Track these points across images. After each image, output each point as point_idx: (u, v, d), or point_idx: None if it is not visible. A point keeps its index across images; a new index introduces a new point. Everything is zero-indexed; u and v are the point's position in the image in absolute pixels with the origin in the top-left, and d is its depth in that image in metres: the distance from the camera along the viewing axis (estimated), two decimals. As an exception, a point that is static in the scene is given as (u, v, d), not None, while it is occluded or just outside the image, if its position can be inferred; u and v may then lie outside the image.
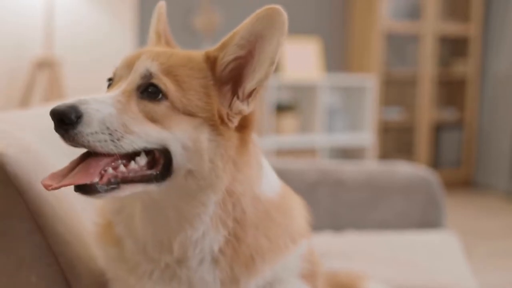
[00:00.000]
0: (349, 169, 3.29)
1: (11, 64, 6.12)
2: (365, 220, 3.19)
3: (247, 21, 1.37)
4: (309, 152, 6.97)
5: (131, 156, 1.31)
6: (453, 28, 8.07)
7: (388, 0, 7.69)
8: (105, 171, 1.28)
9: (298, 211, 1.59)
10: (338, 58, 7.90)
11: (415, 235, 3.04)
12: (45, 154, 1.62)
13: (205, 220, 1.36)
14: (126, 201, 1.41)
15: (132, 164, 1.31)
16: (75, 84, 6.01)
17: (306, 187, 3.12)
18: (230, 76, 1.41)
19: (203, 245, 1.38)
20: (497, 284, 4.66)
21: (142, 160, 1.32)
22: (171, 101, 1.33)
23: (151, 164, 1.33)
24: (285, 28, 1.35)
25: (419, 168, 3.37)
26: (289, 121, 6.96)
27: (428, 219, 3.21)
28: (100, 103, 1.28)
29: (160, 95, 1.33)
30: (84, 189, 1.26)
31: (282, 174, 1.63)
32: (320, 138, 7.05)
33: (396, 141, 8.30)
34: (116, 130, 1.26)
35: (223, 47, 1.41)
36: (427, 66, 7.89)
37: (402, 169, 3.32)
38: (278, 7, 1.35)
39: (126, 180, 1.30)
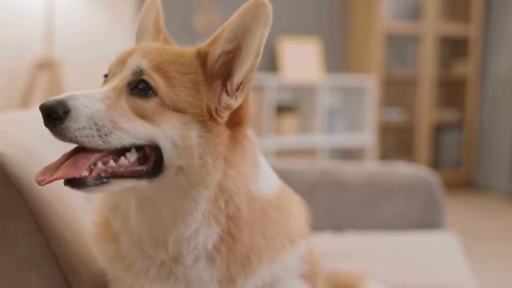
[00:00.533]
0: (349, 169, 3.29)
1: (11, 64, 6.12)
2: (365, 220, 3.19)
3: (235, 14, 1.38)
4: (309, 152, 6.97)
5: (122, 152, 1.32)
6: (453, 29, 8.07)
7: (388, 1, 7.69)
8: (95, 165, 1.29)
9: (297, 211, 1.59)
10: (338, 59, 7.89)
11: (415, 235, 3.04)
12: (45, 154, 1.62)
13: (197, 216, 1.37)
14: (121, 198, 1.43)
15: (122, 160, 1.32)
16: (75, 84, 6.00)
17: (306, 188, 3.12)
18: (221, 71, 1.42)
19: (196, 241, 1.39)
20: (497, 285, 4.66)
21: (133, 156, 1.33)
22: (161, 97, 1.34)
23: (142, 161, 1.34)
24: (269, 19, 1.36)
25: (419, 168, 3.37)
26: (289, 121, 6.95)
27: (428, 220, 3.21)
28: (89, 98, 1.29)
29: (150, 92, 1.34)
30: (73, 182, 1.27)
31: (282, 175, 1.63)
32: (320, 139, 7.05)
33: (396, 142, 8.30)
34: (104, 126, 1.27)
35: (213, 42, 1.42)
36: (427, 66, 7.89)
37: (402, 169, 3.32)
38: (262, 0, 1.36)
39: (116, 175, 1.31)
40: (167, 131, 1.33)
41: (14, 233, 1.41)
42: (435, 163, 8.16)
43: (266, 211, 1.48)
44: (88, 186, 1.28)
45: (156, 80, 1.34)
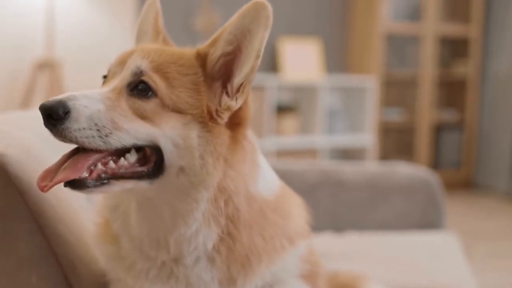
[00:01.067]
0: (349, 170, 3.29)
1: (12, 65, 6.12)
2: (366, 220, 3.19)
3: (234, 16, 1.38)
4: (310, 153, 6.97)
5: (122, 153, 1.32)
6: (453, 29, 8.08)
7: (389, 1, 7.70)
8: (95, 166, 1.29)
9: (297, 211, 1.59)
10: (338, 59, 7.89)
11: (415, 235, 3.05)
12: (46, 155, 1.62)
13: (197, 217, 1.37)
14: (122, 199, 1.43)
15: (122, 161, 1.32)
16: (76, 85, 6.00)
17: (307, 188, 3.12)
18: (221, 72, 1.42)
19: (197, 242, 1.39)
20: (497, 285, 4.66)
21: (133, 157, 1.33)
22: (161, 98, 1.34)
23: (142, 161, 1.34)
24: (269, 21, 1.36)
25: (419, 169, 3.37)
26: (289, 122, 6.96)
27: (428, 220, 3.21)
28: (89, 99, 1.29)
29: (150, 93, 1.34)
30: (73, 184, 1.27)
31: (283, 175, 1.63)
32: (321, 139, 7.06)
33: (396, 142, 8.30)
34: (104, 127, 1.27)
35: (213, 43, 1.42)
36: (427, 67, 7.89)
37: (403, 170, 3.32)
38: (263, 1, 1.36)
39: (117, 176, 1.31)
40: (167, 132, 1.33)
41: (15, 233, 1.41)
42: (435, 163, 8.16)
43: (265, 212, 1.48)
44: (88, 187, 1.28)
45: (156, 81, 1.34)
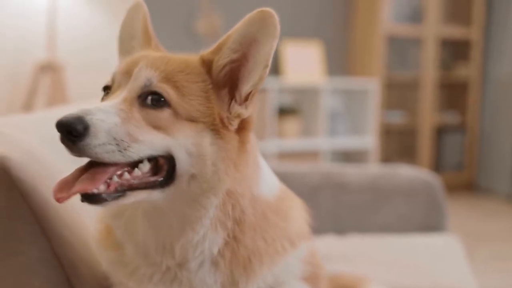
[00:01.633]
0: (351, 172, 3.29)
1: (14, 68, 6.13)
2: (367, 223, 3.19)
3: (239, 24, 1.39)
4: (311, 155, 6.97)
5: (135, 163, 1.31)
6: (455, 32, 8.08)
7: (390, 4, 7.69)
8: (110, 179, 1.28)
9: (297, 213, 1.59)
10: (340, 62, 7.90)
11: (417, 238, 3.05)
12: (49, 158, 1.63)
13: (205, 223, 1.37)
14: (125, 206, 1.41)
15: (136, 171, 1.31)
16: (78, 87, 6.01)
17: (308, 190, 3.13)
18: (226, 79, 1.42)
19: (203, 247, 1.39)
20: (499, 287, 4.66)
21: (146, 167, 1.32)
22: (174, 107, 1.34)
23: (154, 171, 1.33)
24: (277, 31, 1.37)
25: (421, 171, 3.38)
26: (291, 124, 6.96)
27: (430, 222, 3.21)
28: (104, 112, 1.27)
29: (162, 102, 1.33)
30: (90, 198, 1.26)
31: (284, 178, 1.64)
32: (322, 141, 7.06)
33: (398, 145, 8.30)
34: (122, 140, 1.26)
35: (217, 50, 1.42)
36: (429, 69, 7.90)
37: (404, 172, 3.33)
38: (270, 10, 1.38)
39: (132, 188, 1.30)
40: (181, 141, 1.33)
41: (18, 236, 1.41)
42: (437, 166, 8.16)
43: (267, 214, 1.48)
44: (106, 200, 1.27)
45: (167, 90, 1.34)
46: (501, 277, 4.90)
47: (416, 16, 7.92)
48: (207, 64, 1.41)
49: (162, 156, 1.33)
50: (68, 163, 1.84)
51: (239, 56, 1.40)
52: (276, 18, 1.37)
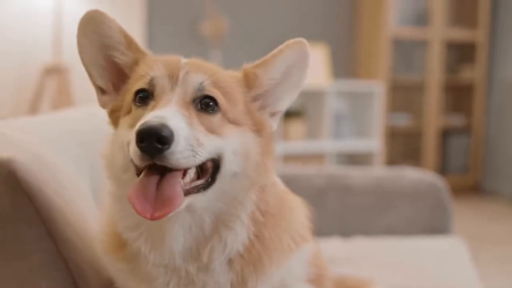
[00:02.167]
0: (356, 174, 3.29)
1: (20, 71, 6.14)
2: (373, 225, 3.19)
3: (281, 51, 1.50)
4: (317, 158, 6.97)
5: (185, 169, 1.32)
6: (460, 34, 8.07)
7: (395, 6, 7.69)
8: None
9: (300, 213, 1.60)
10: (345, 64, 7.90)
11: (422, 240, 3.05)
12: (54, 160, 1.63)
13: (243, 218, 1.41)
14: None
15: (187, 177, 1.32)
16: (83, 90, 6.01)
17: (314, 193, 3.13)
18: (260, 95, 1.51)
19: (232, 245, 1.41)
20: (504, 290, 4.67)
21: (192, 172, 1.33)
22: (223, 112, 1.38)
23: (197, 175, 1.34)
24: (309, 59, 1.52)
25: (426, 173, 3.37)
26: (296, 127, 6.96)
27: (436, 225, 3.21)
28: (176, 118, 1.27)
29: (214, 107, 1.37)
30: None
31: (290, 180, 1.65)
32: (328, 144, 7.06)
33: (403, 147, 8.29)
34: (193, 145, 1.27)
35: (262, 68, 1.50)
36: (434, 72, 7.89)
37: (410, 175, 3.32)
38: (305, 41, 1.52)
39: (185, 193, 1.31)
40: (230, 142, 1.37)
41: (24, 238, 1.42)
42: (442, 168, 8.15)
43: (280, 209, 1.52)
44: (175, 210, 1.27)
45: (218, 95, 1.38)
46: (506, 279, 4.89)
47: (421, 19, 7.91)
48: (250, 78, 1.49)
49: (213, 158, 1.35)
50: (73, 165, 1.85)
51: (279, 76, 1.51)
52: (309, 47, 1.52)
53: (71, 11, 5.95)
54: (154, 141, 1.19)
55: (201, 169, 1.34)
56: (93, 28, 1.49)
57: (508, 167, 8.04)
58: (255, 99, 1.49)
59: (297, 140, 6.95)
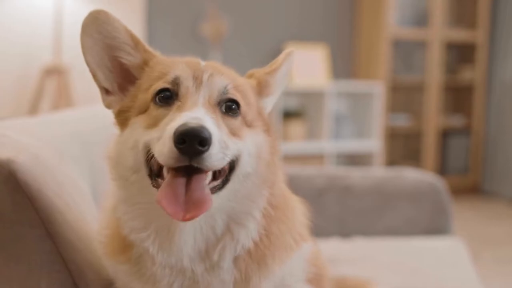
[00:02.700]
0: (356, 175, 3.29)
1: (20, 72, 6.15)
2: (373, 226, 3.19)
3: (284, 59, 1.62)
4: (316, 158, 6.97)
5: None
6: (460, 35, 8.07)
7: (395, 7, 7.70)
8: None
9: (299, 211, 1.60)
10: (345, 65, 7.90)
11: (422, 241, 3.05)
12: (54, 161, 1.63)
13: (256, 215, 1.42)
14: (153, 217, 1.39)
15: (208, 179, 1.32)
16: (83, 90, 6.02)
17: (314, 194, 3.13)
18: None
19: (243, 242, 1.41)
20: (504, 291, 4.67)
21: (210, 173, 1.32)
22: (243, 115, 1.41)
23: (213, 176, 1.34)
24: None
25: (426, 174, 3.37)
26: (296, 127, 6.96)
27: (436, 226, 3.21)
28: (209, 121, 1.27)
29: (235, 110, 1.39)
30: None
31: (290, 181, 1.64)
32: (328, 145, 7.06)
33: (403, 148, 8.30)
34: (223, 148, 1.28)
35: (273, 75, 1.59)
36: (434, 72, 7.89)
37: (410, 175, 3.32)
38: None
39: None
40: (247, 144, 1.38)
41: (25, 239, 1.42)
42: (442, 169, 8.15)
43: (283, 206, 1.53)
44: None
45: (240, 99, 1.40)
46: (506, 280, 4.89)
47: (421, 19, 7.92)
48: (262, 84, 1.56)
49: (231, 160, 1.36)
50: (73, 165, 1.85)
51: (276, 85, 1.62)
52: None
53: (71, 11, 5.96)
54: (195, 143, 1.20)
55: (217, 170, 1.34)
56: (97, 28, 1.47)
57: (508, 168, 8.04)
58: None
59: (297, 141, 6.96)
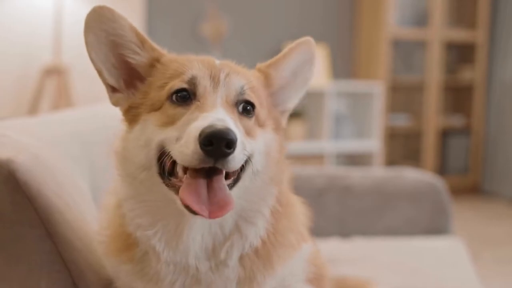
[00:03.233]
0: (356, 175, 3.29)
1: (20, 72, 6.15)
2: (372, 226, 3.19)
3: (290, 51, 1.55)
4: (316, 158, 6.97)
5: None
6: (460, 35, 8.07)
7: (395, 7, 7.70)
8: None
9: (301, 210, 1.61)
10: (345, 65, 7.91)
11: (422, 241, 3.05)
12: (54, 161, 1.63)
13: (265, 212, 1.43)
14: (161, 215, 1.39)
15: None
16: (83, 90, 6.03)
17: (314, 194, 3.13)
18: (272, 94, 1.56)
19: (252, 239, 1.42)
20: (504, 290, 4.67)
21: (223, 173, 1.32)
22: (256, 115, 1.41)
23: (225, 175, 1.33)
24: (316, 57, 1.58)
25: (426, 174, 3.37)
26: (296, 127, 6.96)
27: (435, 226, 3.21)
28: (231, 123, 1.27)
29: (250, 110, 1.40)
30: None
31: (290, 181, 1.64)
32: (327, 145, 7.06)
33: (403, 148, 8.30)
34: (243, 149, 1.29)
35: (274, 68, 1.55)
36: (434, 72, 7.89)
37: (409, 175, 3.32)
38: (311, 40, 1.57)
39: None
40: (259, 144, 1.39)
41: (25, 239, 1.42)
42: (442, 169, 8.15)
43: (287, 204, 1.54)
44: None
45: (255, 100, 1.41)
46: (506, 280, 4.89)
47: (421, 19, 7.92)
48: (267, 78, 1.53)
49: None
50: (73, 165, 1.85)
51: (287, 78, 1.57)
52: (315, 47, 1.60)
53: (71, 11, 5.96)
54: (223, 145, 1.20)
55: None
56: (101, 25, 1.44)
57: (508, 168, 8.04)
58: (269, 97, 1.53)
59: (296, 141, 6.95)
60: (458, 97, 8.51)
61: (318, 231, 1.68)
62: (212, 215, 1.24)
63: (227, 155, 1.21)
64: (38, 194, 1.42)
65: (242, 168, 1.35)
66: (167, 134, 1.31)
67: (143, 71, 1.47)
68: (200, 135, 1.20)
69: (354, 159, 7.74)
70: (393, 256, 2.84)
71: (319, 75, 7.13)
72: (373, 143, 7.36)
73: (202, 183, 1.27)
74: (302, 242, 1.54)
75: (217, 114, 1.27)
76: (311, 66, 1.60)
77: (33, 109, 5.69)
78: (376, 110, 7.35)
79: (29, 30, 6.10)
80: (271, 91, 1.54)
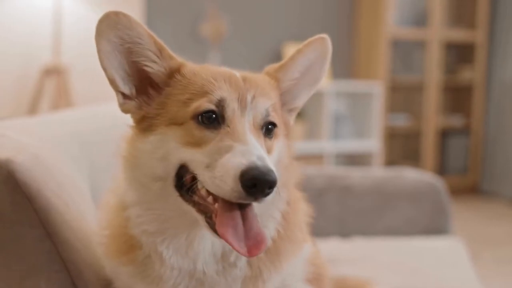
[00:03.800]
0: (356, 175, 3.29)
1: (20, 72, 6.15)
2: (372, 226, 3.19)
3: (302, 48, 1.52)
4: (316, 158, 6.97)
5: None
6: (459, 35, 8.07)
7: (395, 7, 7.70)
8: None
9: (303, 208, 1.61)
10: (344, 65, 7.90)
11: (422, 241, 3.05)
12: (53, 161, 1.63)
13: (276, 216, 1.44)
14: (170, 223, 1.38)
15: None
16: (82, 90, 6.03)
17: (313, 194, 3.11)
18: (283, 94, 1.53)
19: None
20: (503, 290, 4.67)
21: None
22: (276, 132, 1.41)
23: None
24: (330, 55, 1.54)
25: (425, 174, 3.37)
26: (296, 127, 6.96)
27: (435, 226, 3.21)
28: (266, 155, 1.27)
29: (272, 130, 1.39)
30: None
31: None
32: (327, 145, 7.06)
33: (402, 148, 8.29)
34: None
35: (282, 70, 1.52)
36: (433, 72, 7.89)
37: (409, 175, 3.32)
38: (327, 37, 1.54)
39: None
40: (275, 156, 1.40)
41: (24, 239, 1.42)
42: (441, 169, 8.15)
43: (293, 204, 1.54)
44: None
45: (278, 120, 1.41)
46: (506, 280, 4.89)
47: (420, 19, 7.92)
48: (276, 81, 1.50)
49: None
50: (73, 165, 1.85)
51: (297, 78, 1.53)
52: (330, 43, 1.55)
53: (70, 11, 5.96)
54: (266, 188, 1.20)
55: None
56: (118, 33, 1.39)
57: (507, 168, 8.04)
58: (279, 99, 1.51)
59: (296, 141, 6.95)
60: (457, 97, 8.50)
61: (318, 231, 1.68)
62: (250, 254, 1.24)
63: (268, 195, 1.21)
64: (38, 194, 1.42)
65: None
66: (193, 156, 1.29)
67: (160, 81, 1.42)
68: (242, 175, 1.19)
69: (354, 159, 7.74)
70: (393, 256, 2.84)
71: (319, 75, 7.12)
72: (372, 143, 7.37)
73: (237, 215, 1.26)
74: (303, 242, 1.54)
75: (254, 149, 1.24)
76: (323, 63, 1.56)
77: (33, 109, 5.69)
78: (375, 110, 7.35)
79: (29, 30, 6.10)
80: (281, 92, 1.52)
